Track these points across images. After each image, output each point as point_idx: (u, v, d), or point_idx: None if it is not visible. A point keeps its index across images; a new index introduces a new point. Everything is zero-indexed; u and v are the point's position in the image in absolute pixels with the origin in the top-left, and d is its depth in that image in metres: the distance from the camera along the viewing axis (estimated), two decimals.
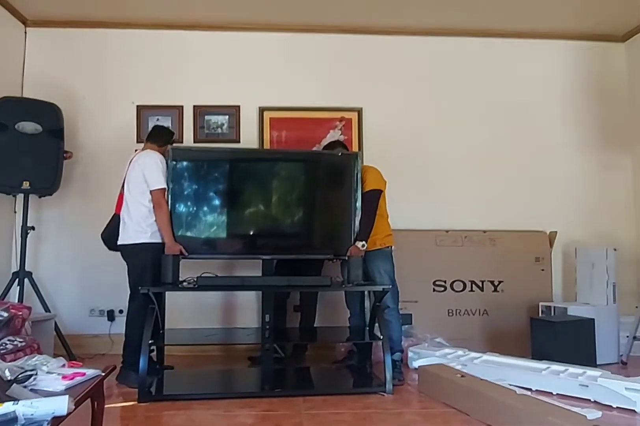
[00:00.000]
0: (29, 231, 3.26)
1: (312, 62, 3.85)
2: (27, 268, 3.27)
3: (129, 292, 3.39)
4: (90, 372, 1.50)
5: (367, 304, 3.15)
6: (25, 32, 3.75)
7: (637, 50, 3.94)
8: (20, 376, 1.37)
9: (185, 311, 3.42)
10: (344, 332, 3.12)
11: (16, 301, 3.18)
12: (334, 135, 3.81)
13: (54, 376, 1.44)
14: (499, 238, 3.63)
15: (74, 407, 1.19)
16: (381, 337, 2.67)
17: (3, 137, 3.12)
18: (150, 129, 3.44)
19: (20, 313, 2.20)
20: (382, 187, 3.05)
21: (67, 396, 1.18)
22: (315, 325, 3.33)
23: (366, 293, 3.10)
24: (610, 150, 3.99)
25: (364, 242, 2.92)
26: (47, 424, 1.09)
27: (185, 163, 2.94)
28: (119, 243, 2.84)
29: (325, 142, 3.77)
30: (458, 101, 3.91)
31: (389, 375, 2.56)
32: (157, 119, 3.72)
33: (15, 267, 3.41)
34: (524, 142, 3.92)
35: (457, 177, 3.83)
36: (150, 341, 2.47)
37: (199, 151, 3.08)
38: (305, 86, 3.83)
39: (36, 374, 1.41)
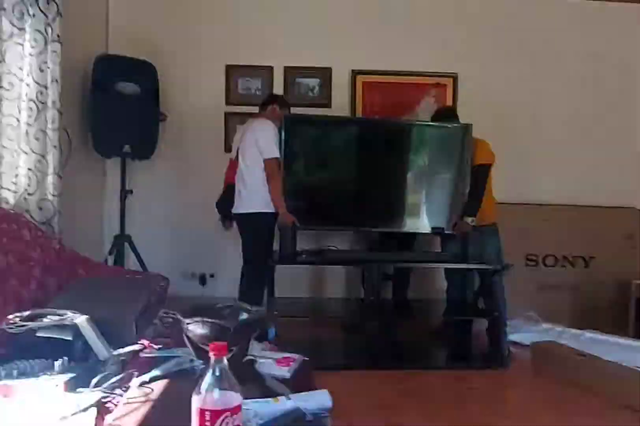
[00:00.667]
0: (127, 194, 3.23)
1: (407, 25, 3.63)
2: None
3: (219, 257, 3.47)
4: (297, 357, 1.51)
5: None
6: None
7: None
8: (245, 361, 1.38)
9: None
10: (443, 305, 3.15)
11: (113, 264, 3.21)
12: (428, 101, 3.67)
13: (269, 362, 1.44)
14: (591, 213, 3.58)
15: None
16: (495, 313, 2.70)
17: (104, 98, 3.01)
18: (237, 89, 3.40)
19: (163, 284, 2.21)
20: (492, 162, 2.98)
21: (326, 390, 1.19)
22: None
23: None
24: None
25: (473, 218, 2.88)
26: (329, 419, 1.11)
27: (298, 132, 2.85)
28: (233, 211, 2.83)
29: (420, 109, 3.66)
30: (555, 68, 3.73)
31: (505, 350, 2.61)
32: (247, 80, 3.58)
33: (107, 230, 3.42)
34: (619, 116, 3.79)
35: (551, 149, 3.72)
36: (275, 312, 2.49)
37: (315, 120, 2.97)
38: (399, 50, 3.63)
39: (256, 360, 1.41)
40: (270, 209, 2.78)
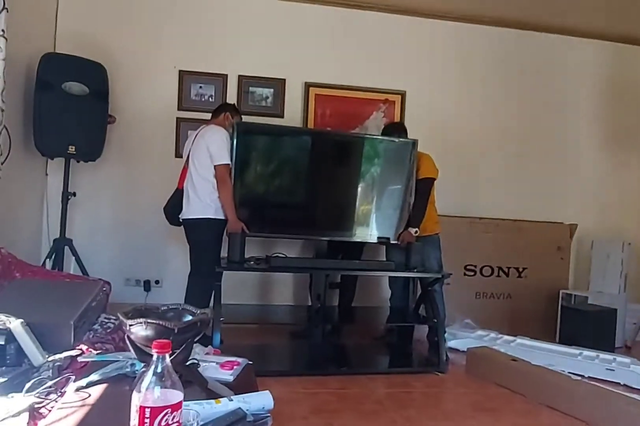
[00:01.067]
0: (70, 197, 3.13)
1: (361, 41, 3.79)
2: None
3: (165, 264, 3.42)
4: (241, 360, 1.53)
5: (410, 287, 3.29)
6: None
7: None
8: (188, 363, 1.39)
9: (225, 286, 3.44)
10: (386, 312, 3.25)
11: (52, 268, 3.09)
12: (377, 116, 3.82)
13: (212, 365, 1.46)
14: (526, 227, 3.83)
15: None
16: (434, 320, 2.82)
17: (49, 97, 2.92)
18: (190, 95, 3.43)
19: (105, 289, 2.17)
20: (435, 176, 3.14)
21: (268, 391, 1.22)
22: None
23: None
24: (626, 149, 4.23)
25: (416, 229, 3.02)
26: (270, 420, 1.14)
27: (250, 140, 2.89)
28: (182, 217, 2.81)
29: (369, 123, 3.79)
30: (494, 89, 4.00)
31: (443, 355, 2.73)
32: (200, 87, 3.58)
33: (47, 233, 3.29)
34: (551, 137, 4.11)
35: (491, 166, 3.97)
36: (221, 319, 2.49)
37: (266, 128, 3.01)
38: (352, 65, 3.78)
39: (199, 364, 1.43)
40: (219, 215, 2.78)
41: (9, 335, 1.48)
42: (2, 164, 2.46)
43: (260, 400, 1.18)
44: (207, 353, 1.57)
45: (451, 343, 3.18)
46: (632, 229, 4.15)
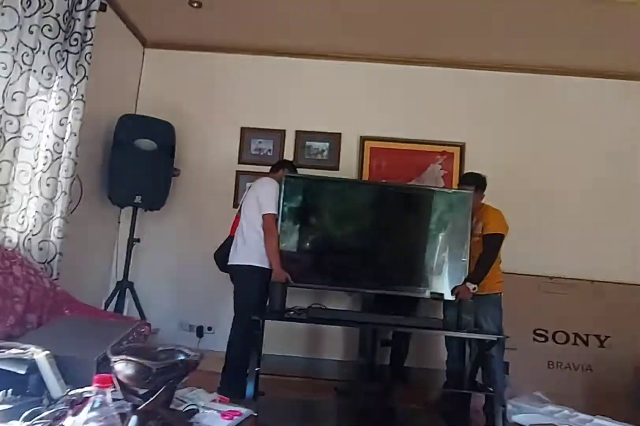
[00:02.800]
0: (135, 243, 3.35)
1: (416, 94, 3.82)
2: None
3: (218, 311, 3.45)
4: (244, 411, 1.46)
5: (467, 349, 3.01)
6: (144, 53, 3.93)
7: None
8: (185, 410, 1.35)
9: (273, 336, 3.38)
10: (441, 375, 2.98)
11: (115, 310, 3.25)
12: (434, 169, 3.75)
13: (213, 413, 1.41)
14: (607, 289, 3.42)
15: None
16: (490, 389, 2.52)
17: (121, 153, 3.24)
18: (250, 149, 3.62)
19: (143, 330, 2.22)
20: (505, 232, 2.93)
21: None
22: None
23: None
24: None
25: (475, 285, 2.81)
26: None
27: (297, 192, 2.95)
28: (229, 263, 2.87)
29: (425, 175, 3.73)
30: (560, 142, 3.77)
31: None
32: (260, 142, 3.78)
33: (115, 277, 3.51)
34: (629, 190, 3.72)
35: (563, 222, 3.65)
36: (257, 368, 2.42)
37: (312, 180, 3.07)
38: (408, 118, 3.80)
39: (197, 410, 1.38)
40: (264, 264, 2.80)
41: (33, 366, 1.53)
42: (72, 212, 2.70)
43: None
44: (213, 400, 1.51)
45: (515, 418, 2.80)
46: None
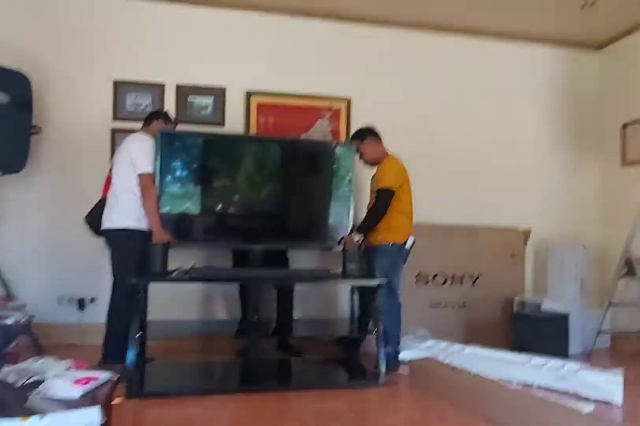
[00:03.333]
0: None
1: (302, 49, 3.73)
2: None
3: (100, 280, 3.24)
4: (102, 376, 1.38)
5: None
6: None
7: (610, 59, 4.13)
8: (27, 382, 1.24)
9: (164, 299, 3.26)
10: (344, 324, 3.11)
11: None
12: (321, 124, 3.74)
13: (64, 381, 1.31)
14: (480, 233, 3.72)
15: (105, 419, 1.08)
16: (374, 330, 2.66)
17: None
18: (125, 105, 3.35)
19: None
20: (395, 187, 2.90)
21: (97, 407, 1.07)
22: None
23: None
24: (581, 152, 4.18)
25: (359, 236, 2.86)
26: None
27: (174, 148, 2.78)
28: (103, 226, 2.67)
29: (313, 131, 3.71)
30: (441, 96, 3.93)
31: (382, 368, 2.57)
32: (136, 97, 3.49)
33: None
34: (505, 141, 4.03)
35: (442, 172, 3.87)
36: (139, 333, 2.33)
37: (190, 136, 2.91)
38: (294, 73, 3.71)
39: (43, 380, 1.28)
40: (141, 226, 2.65)
41: None
42: None
43: (81, 418, 1.03)
44: (69, 368, 1.41)
45: (402, 354, 3.02)
46: (589, 234, 4.06)
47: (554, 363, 2.74)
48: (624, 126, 3.90)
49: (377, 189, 2.92)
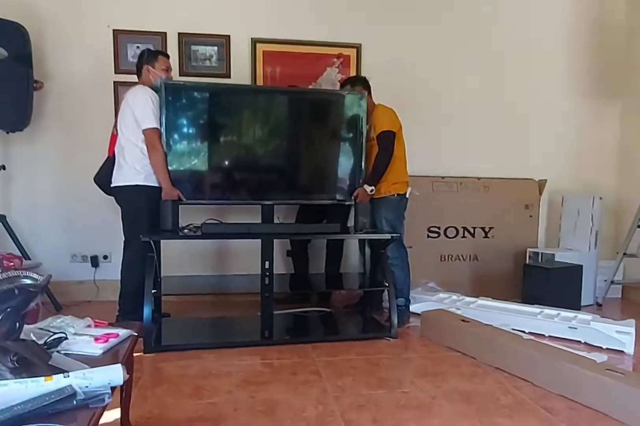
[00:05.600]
0: None
1: None
2: None
3: (113, 237, 3.25)
4: (122, 332, 1.40)
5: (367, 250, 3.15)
6: None
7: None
8: (49, 340, 1.26)
9: (179, 257, 3.29)
10: (352, 279, 3.12)
11: None
12: (331, 73, 3.58)
13: (85, 339, 1.33)
14: (492, 185, 3.65)
15: (127, 375, 1.09)
16: (386, 284, 2.68)
17: None
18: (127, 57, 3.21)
19: (12, 263, 2.02)
20: (394, 129, 2.88)
21: (120, 364, 1.08)
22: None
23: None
24: (601, 99, 3.98)
25: (372, 187, 2.83)
26: (109, 397, 1.00)
27: (179, 101, 2.68)
28: (112, 184, 2.65)
29: (322, 80, 3.56)
30: (459, 42, 3.72)
31: (394, 320, 2.60)
32: (137, 47, 3.33)
33: None
34: (519, 90, 3.84)
35: (453, 124, 3.74)
36: (153, 290, 2.35)
37: (196, 88, 2.78)
38: (301, 18, 3.51)
39: (66, 337, 1.29)
40: (151, 182, 2.61)
41: None
42: None
43: (105, 375, 1.04)
44: (88, 326, 1.43)
45: (413, 307, 3.06)
46: (606, 184, 3.96)
47: (565, 314, 2.76)
48: None
49: (377, 134, 2.86)
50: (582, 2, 3.88)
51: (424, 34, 3.67)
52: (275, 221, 2.87)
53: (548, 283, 3.04)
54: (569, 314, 2.75)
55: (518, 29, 3.79)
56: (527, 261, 3.50)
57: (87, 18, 3.27)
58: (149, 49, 2.85)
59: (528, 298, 3.10)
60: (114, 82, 3.32)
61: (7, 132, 3.02)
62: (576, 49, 3.90)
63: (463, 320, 2.54)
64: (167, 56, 2.76)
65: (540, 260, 3.44)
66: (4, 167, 2.98)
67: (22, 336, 1.09)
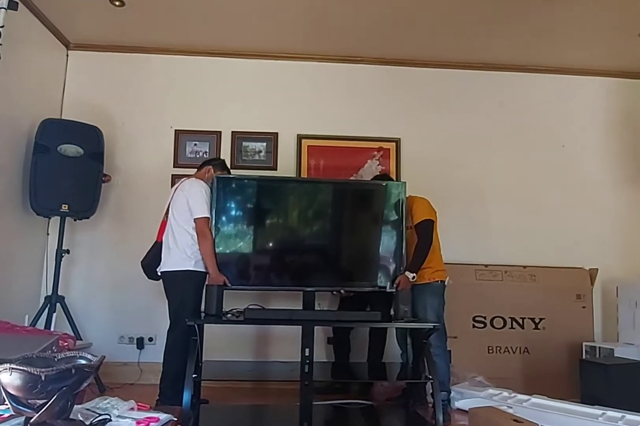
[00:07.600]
0: (63, 254, 3.20)
1: (351, 92, 3.86)
2: (58, 292, 3.19)
3: (158, 320, 3.34)
4: (163, 417, 1.41)
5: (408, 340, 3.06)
6: (67, 55, 3.77)
7: None
8: (94, 421, 1.29)
9: (218, 340, 3.30)
10: (394, 370, 3.01)
11: (44, 326, 3.09)
12: (371, 165, 3.79)
13: (127, 421, 1.35)
14: (540, 273, 3.56)
15: None
16: (430, 377, 2.56)
17: (44, 159, 3.09)
18: (185, 153, 3.57)
19: (66, 343, 2.12)
20: (433, 217, 2.99)
21: None
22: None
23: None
24: None
25: (414, 274, 2.84)
26: None
27: (229, 192, 2.91)
28: (162, 269, 2.78)
29: (363, 171, 3.77)
30: (497, 134, 3.91)
31: (439, 418, 2.45)
32: (195, 144, 3.71)
33: (45, 291, 3.33)
34: (563, 178, 3.91)
35: (496, 211, 3.79)
36: (194, 375, 2.36)
37: (245, 180, 3.03)
38: (343, 116, 3.83)
39: (110, 419, 1.32)
40: (199, 268, 2.74)
41: None
42: None
43: None
44: (131, 408, 1.45)
45: (457, 403, 2.88)
46: None
47: (631, 417, 2.51)
48: None
49: (418, 223, 2.94)
50: (617, 95, 4.04)
51: (460, 126, 3.89)
52: (317, 307, 2.90)
53: (608, 380, 2.80)
54: (635, 417, 2.50)
55: (557, 120, 3.95)
56: (584, 356, 3.27)
57: (153, 120, 3.72)
58: (224, 160, 3.16)
59: (587, 398, 2.84)
60: (172, 175, 3.65)
61: (75, 220, 3.32)
62: (616, 138, 3.98)
63: (516, 420, 2.35)
64: (229, 173, 3.08)
65: (597, 355, 3.21)
66: (68, 252, 3.22)
67: (71, 416, 1.13)
